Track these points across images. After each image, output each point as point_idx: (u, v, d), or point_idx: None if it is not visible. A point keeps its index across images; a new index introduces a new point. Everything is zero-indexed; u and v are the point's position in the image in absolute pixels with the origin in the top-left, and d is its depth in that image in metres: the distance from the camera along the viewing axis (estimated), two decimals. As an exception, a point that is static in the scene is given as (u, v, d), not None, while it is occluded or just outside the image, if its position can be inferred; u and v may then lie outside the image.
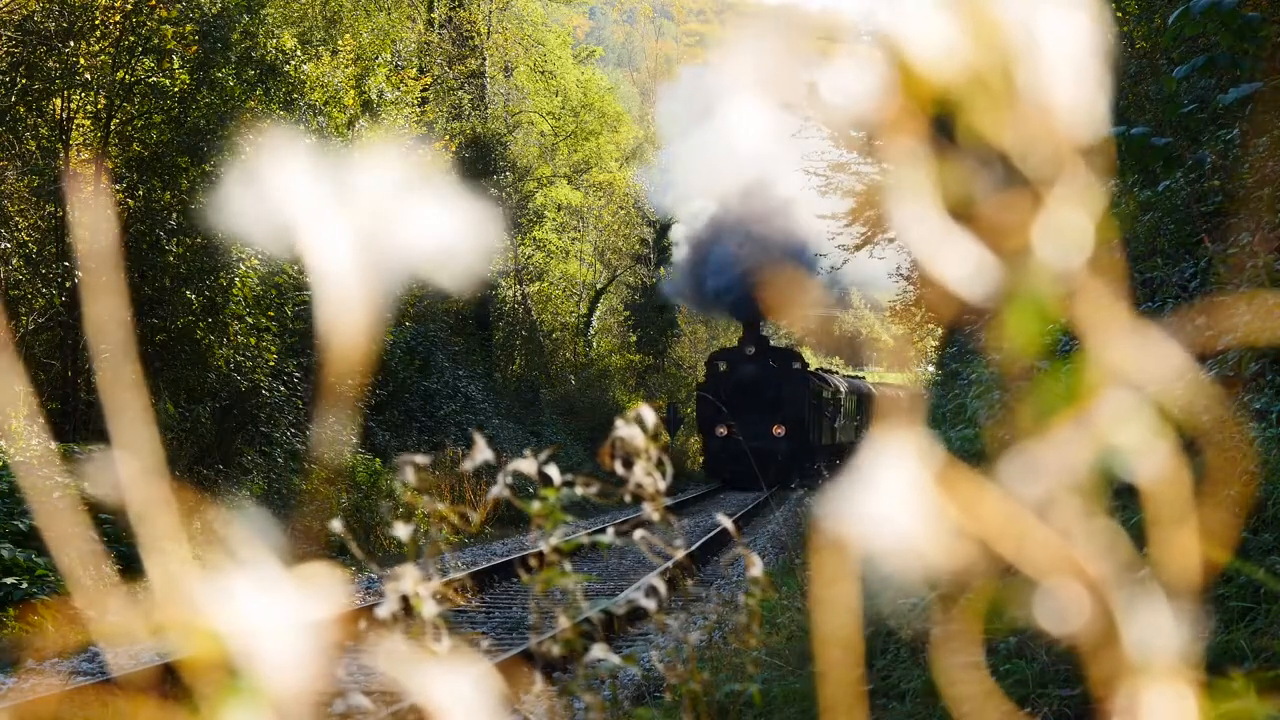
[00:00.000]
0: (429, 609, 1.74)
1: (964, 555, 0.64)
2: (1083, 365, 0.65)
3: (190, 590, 0.64)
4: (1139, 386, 0.65)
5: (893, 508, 0.64)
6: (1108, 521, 0.66)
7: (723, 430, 31.12)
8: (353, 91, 19.00)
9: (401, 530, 1.85)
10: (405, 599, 1.70)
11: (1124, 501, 0.79)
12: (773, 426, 31.41)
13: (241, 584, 0.64)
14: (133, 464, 0.72)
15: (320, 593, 0.66)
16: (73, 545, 0.81)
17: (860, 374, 54.58)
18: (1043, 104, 0.63)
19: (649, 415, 2.06)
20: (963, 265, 0.65)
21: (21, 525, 9.72)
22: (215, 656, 0.63)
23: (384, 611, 1.61)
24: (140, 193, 15.13)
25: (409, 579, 1.70)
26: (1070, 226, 0.65)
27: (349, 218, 0.69)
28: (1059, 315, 0.65)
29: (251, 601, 0.63)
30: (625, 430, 2.05)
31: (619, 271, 36.96)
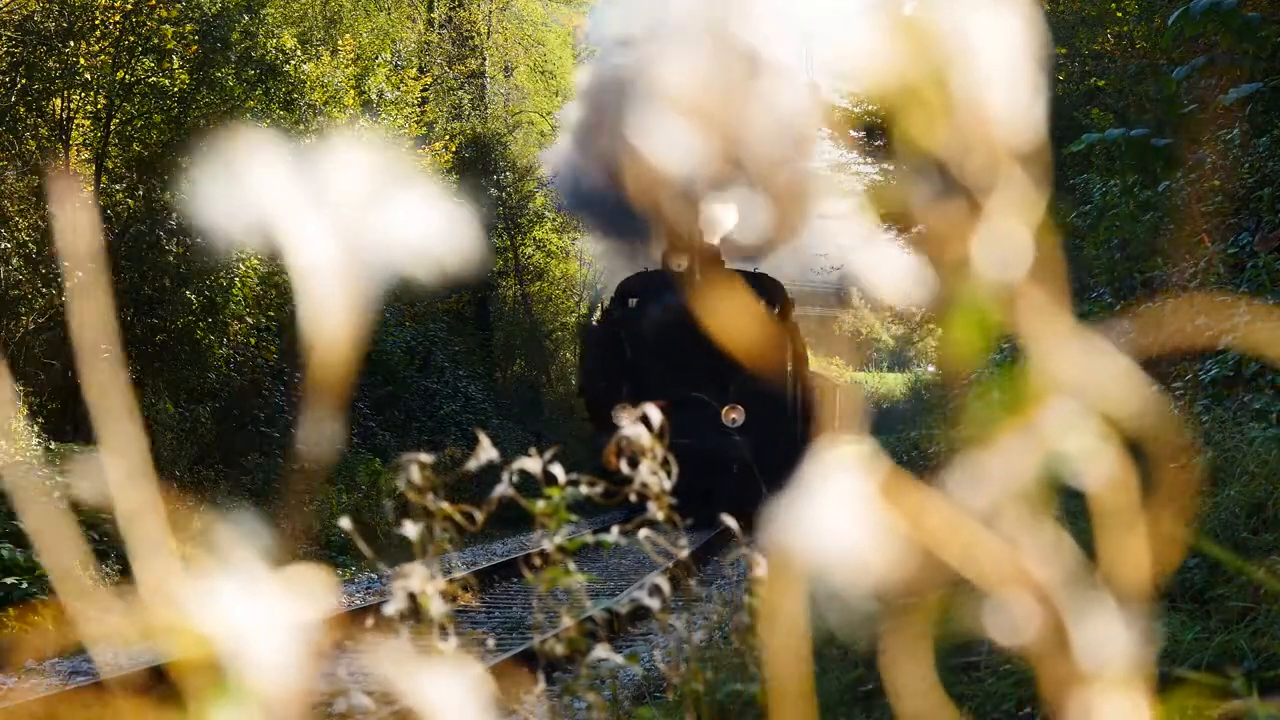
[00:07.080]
0: (437, 607, 1.75)
1: (912, 567, 0.64)
2: (1026, 373, 0.65)
3: (179, 592, 0.64)
4: (1083, 392, 0.64)
5: (838, 520, 0.64)
6: (1055, 529, 0.66)
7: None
8: (353, 91, 19.00)
9: (410, 529, 1.85)
10: (412, 597, 1.71)
11: (1072, 508, 0.79)
12: (722, 409, 17.91)
13: (229, 586, 0.64)
14: (120, 466, 0.72)
15: (310, 594, 0.66)
16: (63, 546, 0.81)
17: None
18: (979, 111, 0.63)
19: (655, 414, 2.06)
20: (900, 275, 0.65)
21: (21, 525, 9.74)
22: (203, 658, 0.63)
23: (392, 609, 1.63)
24: (140, 193, 15.12)
25: (417, 577, 1.71)
26: (1009, 234, 0.65)
27: (328, 214, 0.69)
28: (1001, 324, 0.65)
29: (240, 603, 0.63)
30: (631, 430, 2.05)
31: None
